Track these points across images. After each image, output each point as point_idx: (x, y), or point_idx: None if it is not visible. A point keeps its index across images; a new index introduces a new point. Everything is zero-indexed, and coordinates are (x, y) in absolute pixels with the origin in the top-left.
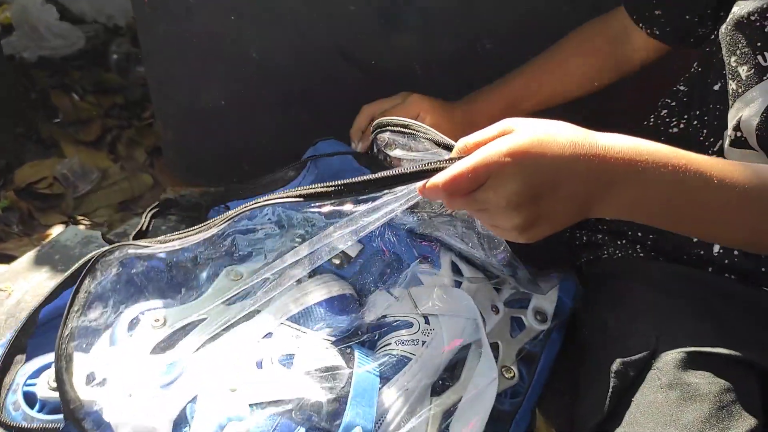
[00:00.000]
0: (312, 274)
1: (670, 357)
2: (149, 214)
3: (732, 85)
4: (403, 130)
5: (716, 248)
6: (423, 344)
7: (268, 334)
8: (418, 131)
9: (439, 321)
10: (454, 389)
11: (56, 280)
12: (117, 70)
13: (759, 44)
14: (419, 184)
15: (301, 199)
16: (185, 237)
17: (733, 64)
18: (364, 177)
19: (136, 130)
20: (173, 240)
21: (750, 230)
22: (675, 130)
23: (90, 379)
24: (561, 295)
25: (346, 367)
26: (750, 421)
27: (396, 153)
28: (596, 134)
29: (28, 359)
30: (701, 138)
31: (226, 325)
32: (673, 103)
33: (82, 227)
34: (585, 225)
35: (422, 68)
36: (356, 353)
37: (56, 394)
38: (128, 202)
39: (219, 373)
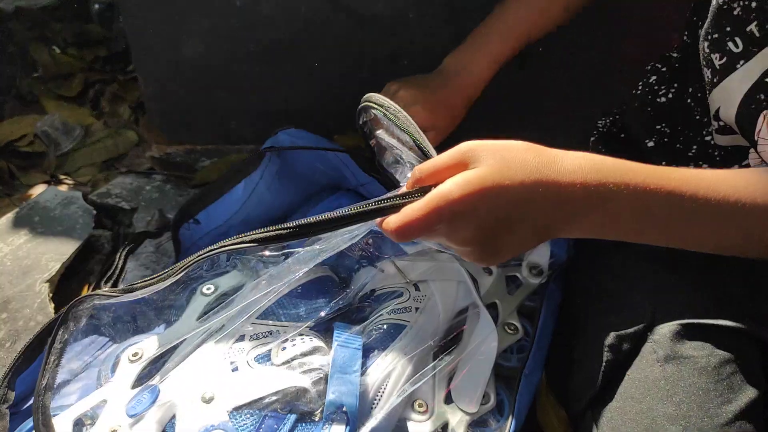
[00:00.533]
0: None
1: (666, 329)
2: (123, 255)
3: (707, 74)
4: (385, 112)
5: None
6: (417, 311)
7: (240, 338)
8: (397, 119)
9: (430, 287)
10: (456, 350)
11: (36, 241)
12: (99, 21)
13: (728, 29)
14: (377, 220)
15: (256, 244)
16: (147, 286)
17: (707, 51)
18: (318, 217)
19: (120, 84)
20: (136, 290)
21: (742, 238)
22: (663, 99)
23: (79, 426)
24: (553, 248)
25: (327, 347)
26: (750, 393)
27: (380, 133)
28: (558, 161)
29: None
30: (697, 117)
31: (202, 340)
32: (664, 69)
33: (63, 187)
34: None
35: (415, 15)
36: (335, 331)
37: None
38: (113, 160)
39: (193, 388)
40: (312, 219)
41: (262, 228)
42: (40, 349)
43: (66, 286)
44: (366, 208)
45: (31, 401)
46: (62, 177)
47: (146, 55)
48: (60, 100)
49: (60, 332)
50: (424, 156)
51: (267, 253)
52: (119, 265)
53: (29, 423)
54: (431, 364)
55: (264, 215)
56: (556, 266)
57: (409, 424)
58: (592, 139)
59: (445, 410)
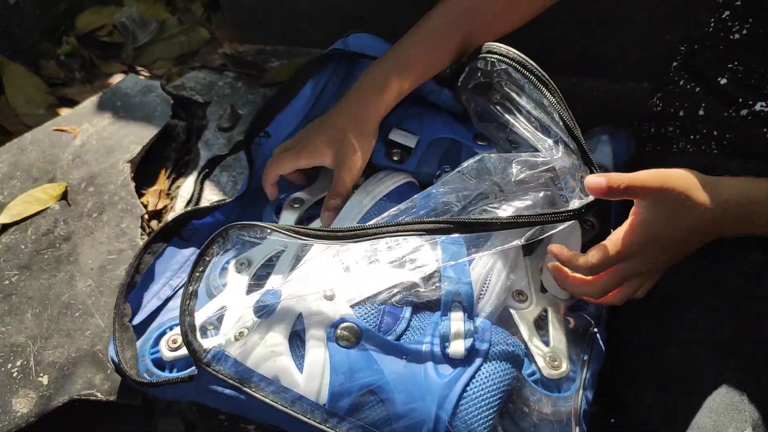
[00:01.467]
0: (367, 174)
1: None
2: (200, 180)
3: None
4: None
5: None
6: (504, 210)
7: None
8: (549, 91)
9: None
10: (542, 246)
11: (119, 124)
12: None
13: None
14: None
15: (425, 233)
16: (291, 235)
17: None
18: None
19: None
20: (277, 232)
21: None
22: (737, 36)
23: (203, 330)
24: (615, 149)
25: (430, 246)
26: None
27: (520, 99)
28: (710, 206)
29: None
30: None
31: (304, 248)
32: (738, 2)
33: (141, 77)
34: (652, 116)
35: None
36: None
37: (178, 354)
38: (185, 56)
39: (313, 288)
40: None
41: None
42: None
43: (145, 167)
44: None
45: (139, 318)
46: (139, 68)
47: None
48: None
49: (213, 247)
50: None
51: None
52: (197, 191)
53: (146, 340)
54: (523, 258)
55: None
56: (620, 165)
57: (513, 312)
58: (674, 64)
59: (542, 298)
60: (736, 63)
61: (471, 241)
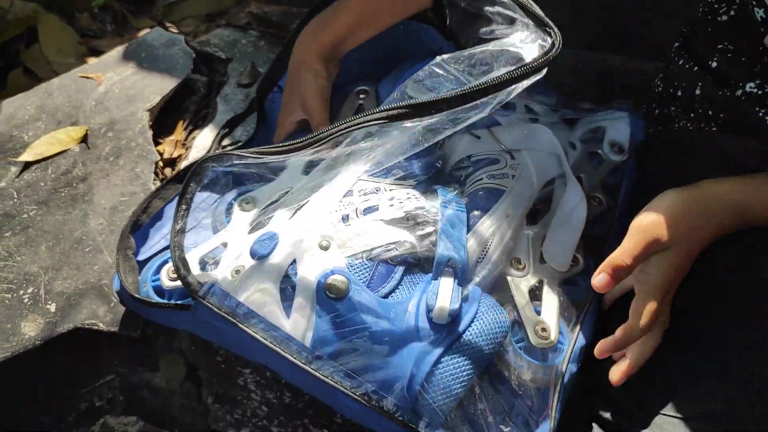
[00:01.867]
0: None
1: None
2: (219, 138)
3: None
4: None
5: None
6: (513, 177)
7: (348, 193)
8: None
9: (523, 155)
10: (546, 217)
11: (141, 75)
12: None
13: None
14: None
15: (386, 121)
16: (278, 154)
17: None
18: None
19: None
20: (266, 155)
21: None
22: (725, 17)
23: (203, 264)
24: (633, 128)
25: (431, 207)
26: None
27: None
28: (706, 220)
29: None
30: (762, 29)
31: (311, 191)
32: None
33: (168, 32)
34: (656, 96)
35: None
36: (439, 192)
37: (177, 284)
38: (214, 15)
39: (310, 235)
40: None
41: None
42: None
43: (163, 118)
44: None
45: (144, 254)
46: (168, 25)
47: None
48: None
49: (192, 184)
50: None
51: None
52: (214, 149)
53: (148, 268)
54: (526, 227)
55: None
56: (635, 144)
57: (509, 279)
58: (676, 44)
59: (540, 268)
60: (726, 43)
61: (477, 204)
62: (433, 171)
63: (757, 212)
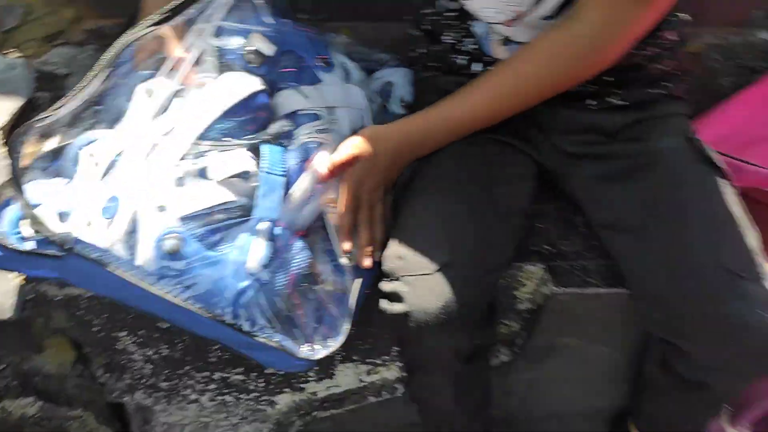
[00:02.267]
0: (223, 71)
1: None
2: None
3: None
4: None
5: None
6: (330, 132)
7: (185, 156)
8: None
9: (339, 111)
10: None
11: None
12: None
13: None
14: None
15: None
16: (76, 94)
17: None
18: None
19: None
20: (65, 104)
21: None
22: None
23: (62, 216)
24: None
25: (255, 169)
26: None
27: None
28: (406, 133)
29: None
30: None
31: (151, 147)
32: None
33: (7, 57)
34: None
35: None
36: (263, 152)
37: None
38: (52, 36)
39: (149, 196)
40: None
41: None
42: None
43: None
44: None
45: None
46: (11, 51)
47: None
48: None
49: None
50: None
51: None
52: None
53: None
54: None
55: None
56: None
57: (325, 216)
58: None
59: None
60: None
61: (301, 155)
62: (261, 126)
63: (461, 118)
